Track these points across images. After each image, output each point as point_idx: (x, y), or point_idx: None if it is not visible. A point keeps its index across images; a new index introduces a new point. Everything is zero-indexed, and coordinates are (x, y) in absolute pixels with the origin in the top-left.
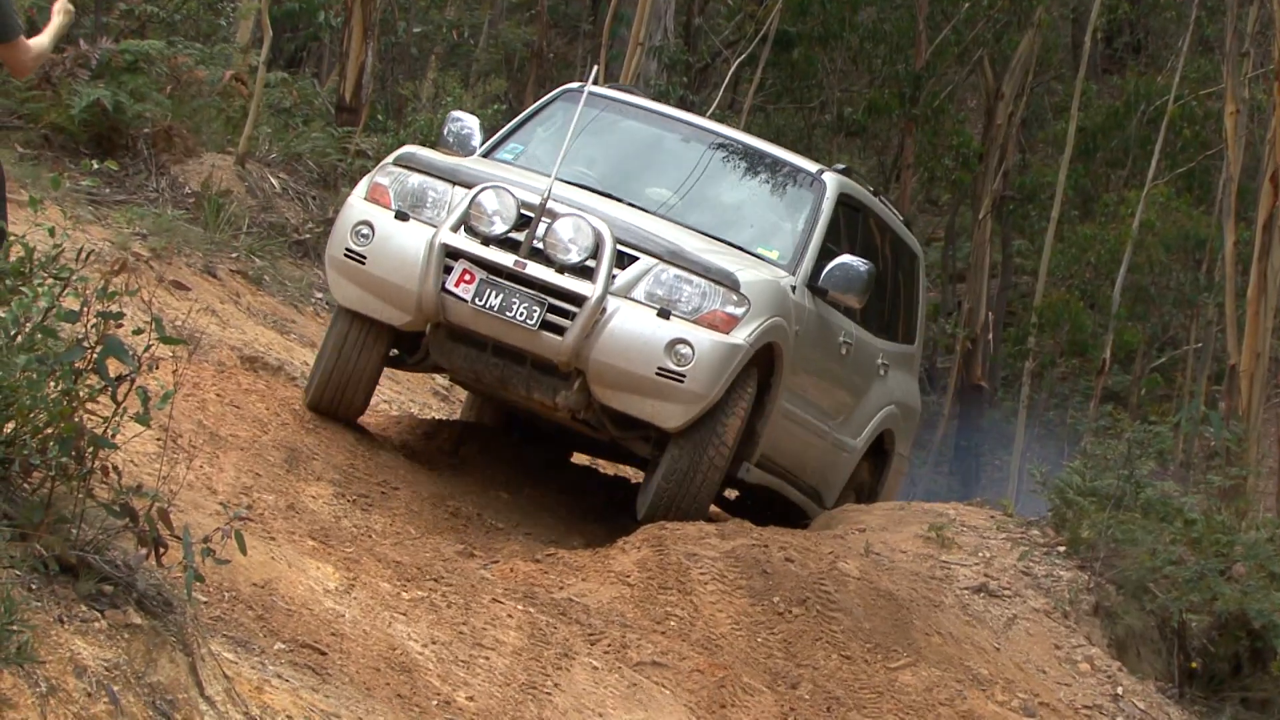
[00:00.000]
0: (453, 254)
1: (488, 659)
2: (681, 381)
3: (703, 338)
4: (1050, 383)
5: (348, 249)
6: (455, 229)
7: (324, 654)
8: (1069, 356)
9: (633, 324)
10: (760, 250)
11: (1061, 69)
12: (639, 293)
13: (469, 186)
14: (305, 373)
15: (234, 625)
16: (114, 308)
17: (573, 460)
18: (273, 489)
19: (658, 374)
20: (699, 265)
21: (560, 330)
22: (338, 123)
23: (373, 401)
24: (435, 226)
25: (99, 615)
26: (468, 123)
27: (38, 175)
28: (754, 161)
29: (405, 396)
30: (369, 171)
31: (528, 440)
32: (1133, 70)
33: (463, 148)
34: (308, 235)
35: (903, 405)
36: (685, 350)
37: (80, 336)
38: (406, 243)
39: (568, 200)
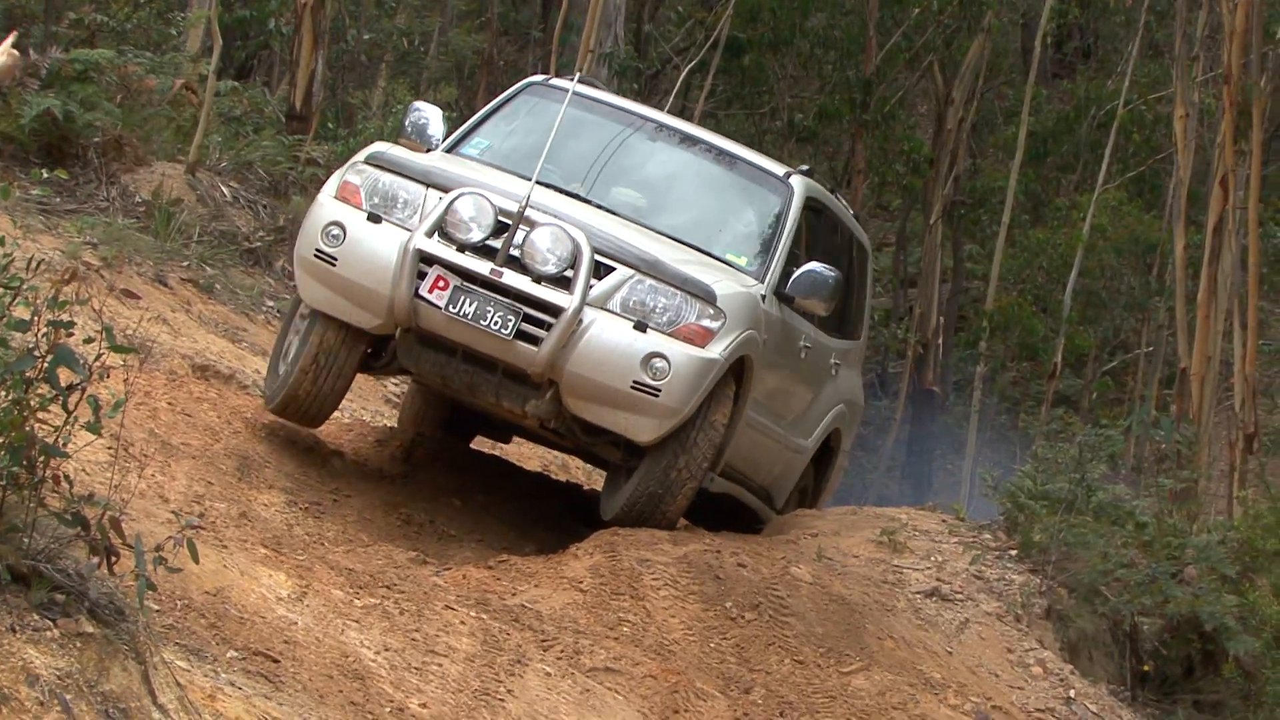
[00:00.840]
0: (427, 259)
1: (440, 666)
2: (656, 396)
3: (679, 351)
4: (1001, 387)
5: (318, 249)
6: (430, 234)
7: (277, 662)
8: (1020, 361)
9: (609, 336)
10: (729, 256)
11: (1011, 74)
12: (615, 304)
13: (442, 189)
14: (257, 381)
15: (186, 633)
16: (65, 317)
17: (524, 467)
18: (225, 497)
19: (633, 387)
20: (676, 277)
21: (535, 340)
22: (288, 131)
23: None
24: (408, 229)
25: (51, 624)
26: (426, 113)
27: None
28: (721, 162)
29: (357, 404)
30: (322, 179)
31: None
32: (1083, 75)
33: (421, 138)
34: (259, 243)
35: (850, 403)
36: (661, 364)
37: (31, 345)
38: (379, 246)
39: (545, 207)
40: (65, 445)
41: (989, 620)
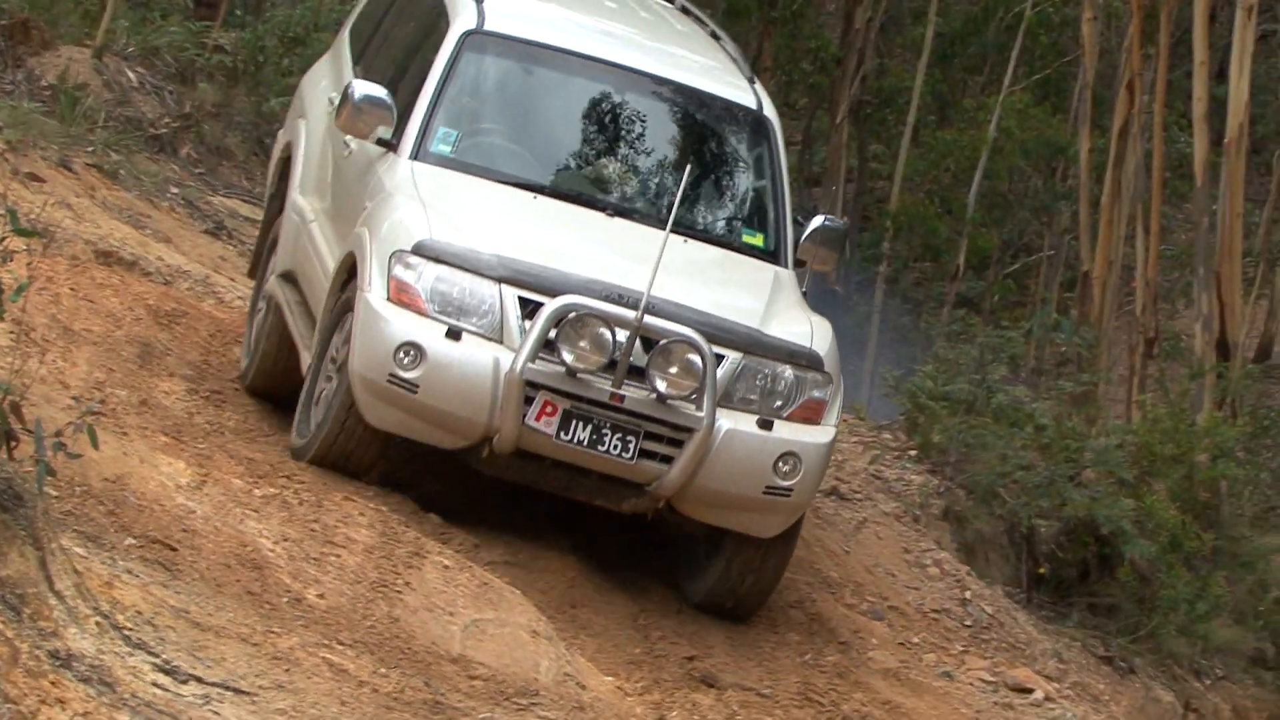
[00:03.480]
0: (532, 384)
1: (339, 557)
2: (789, 496)
3: (808, 444)
4: (904, 287)
5: (392, 376)
6: (533, 359)
7: (175, 550)
8: (923, 261)
9: (739, 444)
10: (747, 238)
11: None
12: (734, 398)
13: (519, 285)
14: (160, 268)
15: (85, 520)
16: None
17: None
18: (125, 384)
19: (765, 492)
20: (783, 350)
21: (657, 456)
22: (195, 17)
23: (226, 298)
24: (492, 339)
25: None
26: (370, 95)
27: None
28: (690, 103)
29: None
30: (229, 66)
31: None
32: None
33: (369, 127)
34: (164, 130)
35: None
36: (793, 463)
37: None
38: (470, 369)
39: (656, 308)
40: None
41: (886, 520)
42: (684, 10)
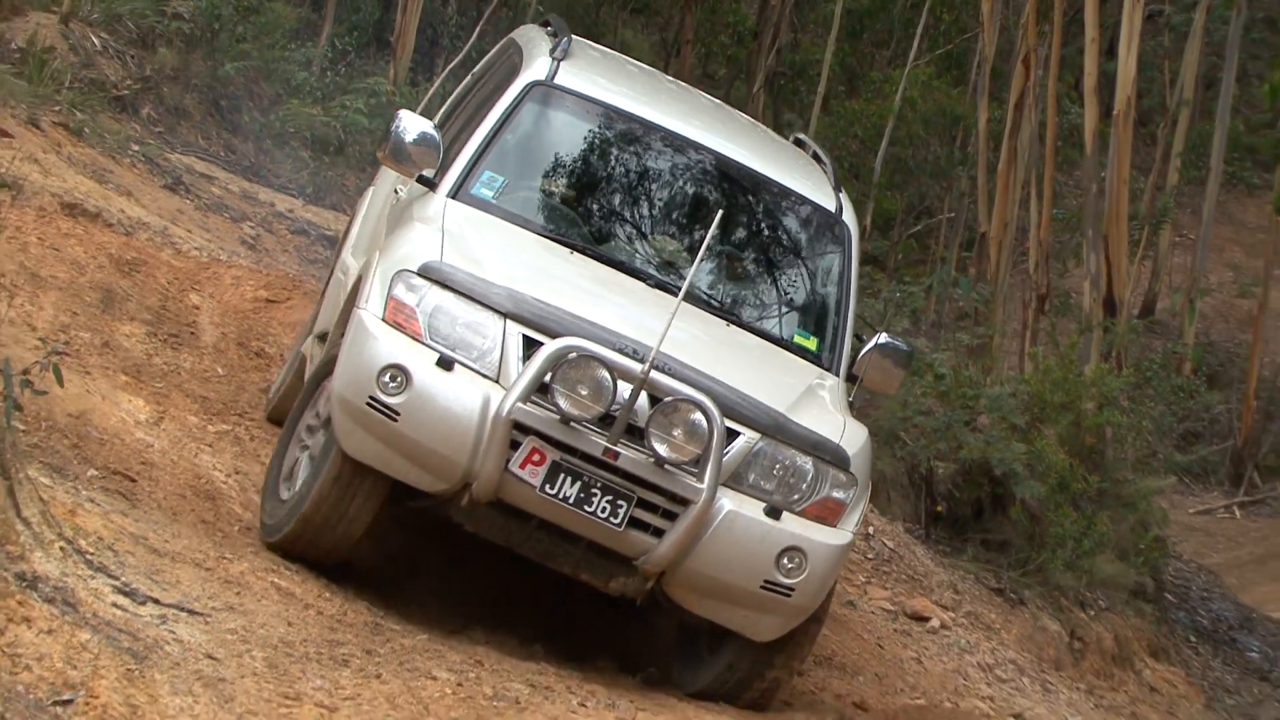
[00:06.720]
0: (521, 428)
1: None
2: (789, 596)
3: (817, 543)
4: None
5: (373, 399)
6: (525, 400)
7: (134, 481)
8: None
9: (740, 529)
10: (799, 339)
11: None
12: (743, 480)
13: (524, 322)
14: (121, 220)
15: (50, 452)
16: None
17: None
18: (89, 327)
19: (762, 587)
20: (806, 440)
21: (649, 527)
22: None
23: (183, 248)
24: (488, 376)
25: None
26: (413, 128)
27: None
28: (762, 191)
29: (214, 245)
30: (187, 33)
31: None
32: None
33: (411, 161)
34: (126, 91)
35: None
36: (798, 560)
37: None
38: (456, 403)
39: (667, 367)
40: None
41: None
42: (797, 142)
